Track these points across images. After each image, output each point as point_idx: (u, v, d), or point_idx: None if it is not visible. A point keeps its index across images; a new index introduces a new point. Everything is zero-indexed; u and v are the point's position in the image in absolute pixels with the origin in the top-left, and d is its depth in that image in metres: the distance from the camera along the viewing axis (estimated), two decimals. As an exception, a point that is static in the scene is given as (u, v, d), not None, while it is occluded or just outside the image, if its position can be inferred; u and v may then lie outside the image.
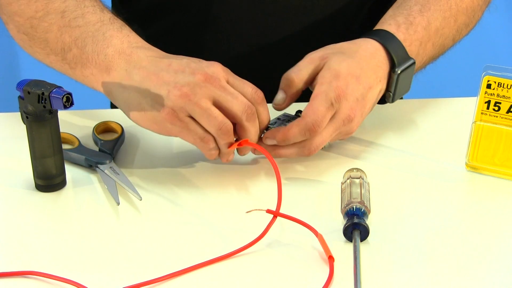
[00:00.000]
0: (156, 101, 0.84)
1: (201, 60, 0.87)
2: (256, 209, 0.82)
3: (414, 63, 0.95)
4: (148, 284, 0.75)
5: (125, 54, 0.87)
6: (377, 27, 0.97)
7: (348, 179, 0.86)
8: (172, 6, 1.09)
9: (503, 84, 0.88)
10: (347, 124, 0.90)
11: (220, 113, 0.84)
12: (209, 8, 1.07)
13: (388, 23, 0.96)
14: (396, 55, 0.93)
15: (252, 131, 0.86)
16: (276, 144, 0.89)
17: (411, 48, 0.96)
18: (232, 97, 0.84)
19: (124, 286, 0.75)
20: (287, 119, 0.93)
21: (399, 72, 0.94)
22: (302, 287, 0.76)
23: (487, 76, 0.88)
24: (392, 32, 0.94)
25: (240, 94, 0.85)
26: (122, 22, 0.91)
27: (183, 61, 0.86)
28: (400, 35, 0.95)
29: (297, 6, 1.07)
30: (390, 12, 0.99)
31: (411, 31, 0.96)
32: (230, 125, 0.85)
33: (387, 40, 0.94)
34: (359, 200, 0.82)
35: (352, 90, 0.89)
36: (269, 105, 0.90)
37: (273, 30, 1.09)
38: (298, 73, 0.90)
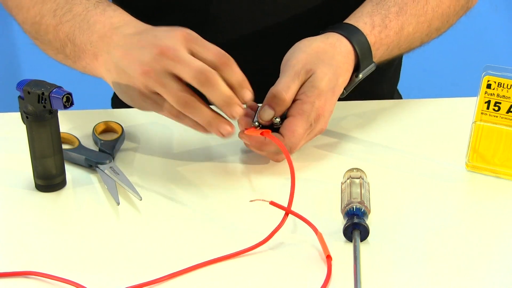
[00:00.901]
0: (128, 81, 0.86)
1: (168, 29, 0.87)
2: (260, 199, 0.82)
3: (374, 68, 0.98)
4: (149, 285, 0.75)
5: (107, 37, 0.89)
6: (352, 21, 0.97)
7: (348, 179, 0.86)
8: (171, 6, 1.09)
9: (503, 84, 0.88)
10: (318, 134, 0.94)
11: (178, 86, 0.84)
12: (209, 8, 1.07)
13: (364, 21, 0.97)
14: (363, 60, 0.95)
15: (210, 97, 0.84)
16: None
17: (377, 52, 0.97)
18: (184, 65, 0.83)
19: (125, 287, 0.75)
20: None
21: (360, 77, 0.96)
22: (300, 286, 0.76)
23: (487, 76, 0.88)
24: (365, 33, 0.96)
25: (196, 60, 0.84)
26: (108, 2, 0.93)
27: (149, 35, 0.87)
28: (371, 38, 0.96)
29: (297, 6, 1.07)
30: (368, 7, 0.99)
31: (383, 35, 0.97)
32: (187, 97, 0.84)
33: (359, 42, 0.95)
34: (359, 200, 0.82)
35: (329, 105, 0.91)
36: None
37: (273, 30, 1.09)
38: (289, 92, 0.89)
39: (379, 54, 0.98)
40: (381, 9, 0.99)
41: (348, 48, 0.94)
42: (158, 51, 0.83)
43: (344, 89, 0.96)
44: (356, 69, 0.96)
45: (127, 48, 0.86)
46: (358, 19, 0.97)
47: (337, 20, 1.00)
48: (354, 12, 1.00)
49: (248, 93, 0.86)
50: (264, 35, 1.09)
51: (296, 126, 0.89)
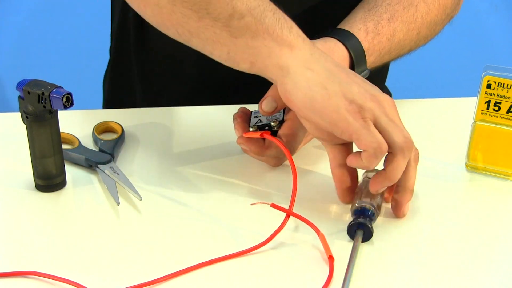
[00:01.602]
0: (344, 92, 0.82)
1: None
2: (261, 202, 0.82)
3: (368, 74, 0.98)
4: (149, 285, 0.76)
5: (310, 42, 0.86)
6: (347, 26, 0.98)
7: (364, 177, 0.86)
8: None
9: (503, 84, 0.88)
10: (314, 137, 0.93)
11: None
12: None
13: (358, 27, 0.98)
14: (357, 66, 0.96)
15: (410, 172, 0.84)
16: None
17: (370, 58, 0.98)
18: (402, 130, 0.83)
19: (125, 287, 0.75)
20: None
21: None
22: (301, 287, 0.76)
23: (487, 76, 0.88)
24: (360, 39, 0.96)
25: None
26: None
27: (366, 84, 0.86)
28: (365, 44, 0.97)
29: (294, 9, 1.08)
30: (361, 13, 1.00)
31: (376, 41, 0.98)
32: (414, 148, 0.84)
33: (354, 48, 0.96)
34: (370, 201, 0.82)
35: None
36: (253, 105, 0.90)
37: None
38: None
39: (371, 60, 0.99)
40: (373, 15, 0.99)
41: (344, 53, 0.95)
42: (388, 100, 0.84)
43: None
44: None
45: (342, 71, 0.84)
46: (352, 25, 0.98)
47: (332, 23, 1.00)
48: (347, 18, 1.00)
49: None
50: None
51: (297, 129, 0.89)
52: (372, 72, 1.03)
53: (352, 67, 0.96)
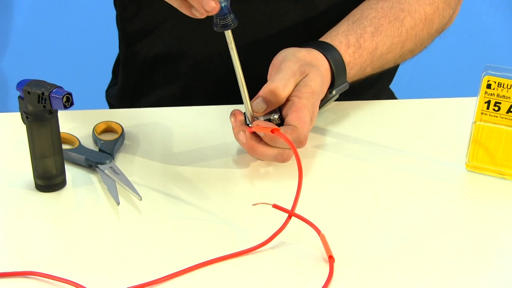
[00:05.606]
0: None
1: None
2: (263, 203, 0.82)
3: (347, 87, 0.99)
4: (149, 285, 0.76)
5: None
6: (328, 39, 0.99)
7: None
8: (167, 14, 1.09)
9: (503, 84, 0.88)
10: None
11: None
12: (205, 19, 1.07)
13: (339, 40, 0.99)
14: (337, 78, 0.97)
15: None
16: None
17: (351, 72, 0.99)
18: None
19: (125, 287, 0.75)
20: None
21: (333, 93, 0.98)
22: (301, 286, 0.76)
23: (487, 76, 0.88)
24: (341, 52, 0.98)
25: None
26: None
27: None
28: (346, 57, 0.98)
29: (284, 20, 1.08)
30: (345, 26, 1.01)
31: (357, 54, 0.99)
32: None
33: (334, 60, 0.97)
34: None
35: (317, 106, 0.94)
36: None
37: (263, 40, 1.09)
38: (285, 89, 0.90)
39: (352, 73, 1.00)
40: (357, 28, 1.00)
41: (326, 64, 0.96)
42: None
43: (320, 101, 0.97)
44: (331, 86, 0.98)
45: None
46: (334, 37, 0.99)
47: (321, 33, 1.01)
48: (330, 30, 1.01)
49: None
50: (256, 44, 1.10)
51: (304, 117, 0.89)
52: (377, 77, 1.03)
53: (332, 79, 0.97)
